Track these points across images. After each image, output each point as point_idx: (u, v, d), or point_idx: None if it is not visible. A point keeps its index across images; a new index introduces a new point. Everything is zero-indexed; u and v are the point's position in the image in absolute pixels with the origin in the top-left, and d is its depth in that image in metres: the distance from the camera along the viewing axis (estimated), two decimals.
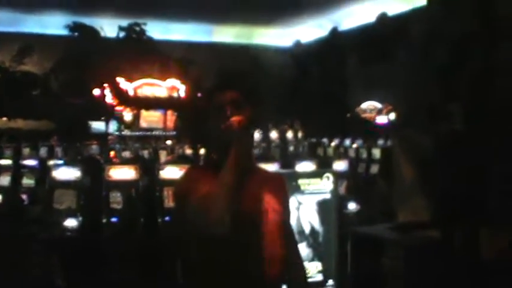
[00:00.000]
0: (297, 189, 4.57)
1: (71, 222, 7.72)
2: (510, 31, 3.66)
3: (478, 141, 3.58)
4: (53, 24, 22.65)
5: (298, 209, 4.59)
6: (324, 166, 8.55)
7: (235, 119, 2.27)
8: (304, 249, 4.50)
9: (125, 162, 9.66)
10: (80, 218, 7.76)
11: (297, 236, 3.27)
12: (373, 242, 4.03)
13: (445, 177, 3.69)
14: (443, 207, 3.71)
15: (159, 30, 22.84)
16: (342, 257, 4.52)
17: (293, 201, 4.50)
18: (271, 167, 8.76)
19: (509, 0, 3.74)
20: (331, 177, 4.64)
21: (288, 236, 2.45)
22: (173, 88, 20.95)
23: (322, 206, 4.57)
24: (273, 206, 2.37)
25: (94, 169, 8.38)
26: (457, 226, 3.66)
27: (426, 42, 4.06)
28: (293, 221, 3.65)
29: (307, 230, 4.57)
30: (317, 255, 4.54)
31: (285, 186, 2.52)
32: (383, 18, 21.86)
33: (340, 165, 8.79)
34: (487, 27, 3.71)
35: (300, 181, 4.63)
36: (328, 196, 4.61)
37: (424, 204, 3.90)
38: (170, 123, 20.71)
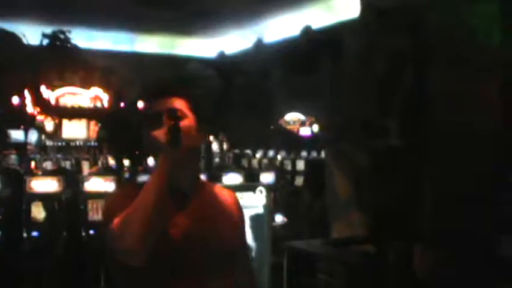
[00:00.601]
0: None
1: None
2: (442, 51, 3.75)
3: (414, 157, 3.62)
4: None
5: None
6: (250, 178, 8.57)
7: (165, 128, 1.94)
8: None
9: (47, 173, 9.38)
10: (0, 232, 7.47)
11: None
12: (308, 257, 4.02)
13: (381, 193, 3.72)
14: (378, 223, 3.74)
15: (82, 38, 22.38)
16: (276, 273, 4.50)
17: None
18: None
19: (439, 21, 3.82)
20: (264, 191, 4.62)
21: (245, 266, 2.23)
22: (96, 97, 20.54)
23: (255, 220, 4.53)
24: (227, 229, 2.12)
25: (14, 181, 8.10)
26: (392, 242, 3.69)
27: (359, 56, 4.09)
28: None
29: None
30: None
31: (239, 204, 2.29)
32: (307, 30, 22.14)
33: (267, 177, 8.84)
34: (418, 45, 3.79)
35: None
36: (261, 210, 4.58)
37: (360, 219, 3.92)
38: (93, 133, 20.28)
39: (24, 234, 7.56)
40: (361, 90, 4.13)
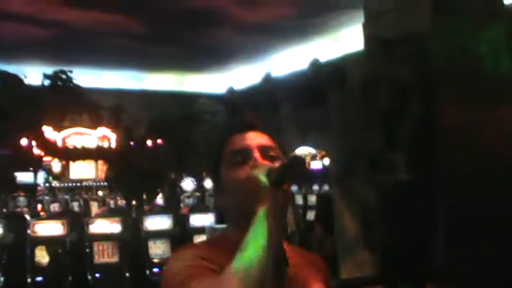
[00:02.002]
0: None
1: None
2: (449, 80, 3.60)
3: (424, 192, 3.44)
4: None
5: None
6: None
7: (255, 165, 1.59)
8: None
9: (51, 217, 9.28)
10: (2, 278, 7.32)
11: None
12: None
13: (390, 230, 3.54)
14: (388, 262, 3.54)
15: (88, 77, 22.44)
16: None
17: None
18: (207, 218, 8.55)
19: (445, 50, 3.67)
20: None
21: None
22: (104, 137, 20.50)
23: None
24: None
25: (18, 225, 8.00)
26: (403, 282, 3.50)
27: (364, 88, 3.94)
28: None
29: None
30: None
31: (329, 273, 1.86)
32: (315, 64, 22.13)
33: None
34: (424, 75, 3.64)
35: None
36: None
37: (369, 258, 3.73)
38: (101, 173, 20.20)
39: (28, 280, 7.42)
40: (367, 123, 3.97)
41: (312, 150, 25.05)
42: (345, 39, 19.66)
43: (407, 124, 3.58)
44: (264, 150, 1.64)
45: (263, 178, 1.51)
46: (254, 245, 1.41)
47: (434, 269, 3.45)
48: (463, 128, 3.46)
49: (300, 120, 23.81)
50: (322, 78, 18.57)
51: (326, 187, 17.50)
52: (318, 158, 24.54)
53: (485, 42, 3.48)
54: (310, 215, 14.27)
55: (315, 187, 17.77)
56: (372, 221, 3.71)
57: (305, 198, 15.49)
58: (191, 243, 1.75)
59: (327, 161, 23.48)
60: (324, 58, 21.95)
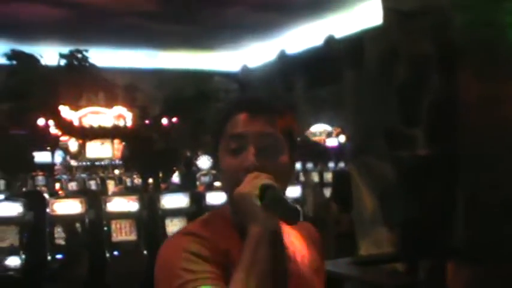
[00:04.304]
0: None
1: (13, 261, 7.36)
2: (470, 53, 3.53)
3: (444, 167, 3.39)
4: None
5: None
6: None
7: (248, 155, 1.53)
8: None
9: (70, 195, 9.33)
10: (23, 256, 7.39)
11: None
12: (335, 278, 3.81)
13: (409, 206, 3.50)
14: (407, 239, 3.51)
15: (103, 56, 22.47)
16: None
17: None
18: (224, 196, 8.55)
19: (466, 21, 3.60)
20: None
21: None
22: (119, 116, 20.57)
23: None
24: (319, 269, 1.74)
25: (37, 204, 8.05)
26: (422, 259, 3.47)
27: (383, 63, 3.89)
28: None
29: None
30: None
31: (320, 239, 1.85)
32: (330, 40, 21.98)
33: (294, 191, 8.66)
34: (444, 48, 3.58)
35: None
36: None
37: (387, 235, 3.70)
38: (117, 152, 20.31)
39: (48, 257, 7.50)
40: (385, 98, 3.92)
41: (328, 128, 24.99)
42: (361, 15, 19.48)
43: (426, 99, 3.52)
44: (261, 138, 1.56)
45: (253, 198, 1.44)
46: (249, 273, 1.40)
47: (455, 246, 3.41)
48: (484, 102, 3.40)
49: (315, 98, 23.72)
50: (338, 54, 18.45)
51: (342, 164, 17.48)
52: (333, 135, 24.48)
53: (508, 13, 3.41)
54: (326, 193, 14.26)
55: (331, 164, 17.73)
56: (390, 197, 3.67)
57: (321, 176, 15.45)
58: (188, 227, 1.67)
59: (342, 138, 23.44)
60: (339, 34, 21.79)
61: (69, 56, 21.72)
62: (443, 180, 3.39)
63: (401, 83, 3.66)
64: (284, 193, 1.56)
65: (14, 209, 7.75)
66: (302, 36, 24.11)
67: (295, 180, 14.40)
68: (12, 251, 7.45)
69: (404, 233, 3.52)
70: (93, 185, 15.13)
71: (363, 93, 4.44)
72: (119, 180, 15.82)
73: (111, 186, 14.86)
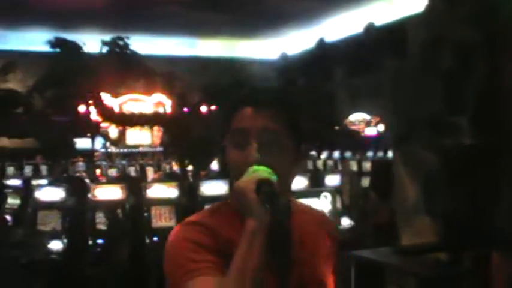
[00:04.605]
0: None
1: (55, 245, 7.48)
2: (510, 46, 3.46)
3: (490, 156, 3.34)
4: (37, 40, 22.40)
5: None
6: (316, 181, 8.37)
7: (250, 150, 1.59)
8: None
9: (110, 181, 9.44)
10: (65, 240, 7.51)
11: None
12: (377, 267, 3.78)
13: (453, 195, 3.46)
14: (451, 229, 3.47)
15: (142, 44, 22.64)
16: (342, 278, 4.28)
17: None
18: None
19: (509, 14, 3.53)
20: (329, 197, 4.42)
21: None
22: (159, 103, 20.71)
23: None
24: (330, 256, 1.77)
25: (79, 189, 8.18)
26: (466, 249, 3.42)
27: (427, 50, 3.83)
28: None
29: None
30: None
31: (334, 227, 1.91)
32: (370, 28, 21.77)
33: (332, 180, 8.63)
34: (490, 35, 3.51)
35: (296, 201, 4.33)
36: None
37: (430, 225, 3.66)
38: (157, 139, 20.47)
39: (90, 242, 7.60)
40: (429, 86, 3.87)
41: (366, 116, 24.83)
42: (401, 2, 19.25)
43: (471, 86, 3.47)
44: (264, 133, 1.59)
45: (250, 192, 1.48)
46: (243, 267, 1.46)
47: (499, 236, 3.37)
48: None
49: (353, 86, 23.59)
50: (377, 42, 18.27)
51: (380, 153, 17.35)
52: (372, 124, 24.33)
53: None
54: (365, 182, 14.18)
55: (369, 153, 17.62)
56: (434, 186, 3.63)
57: (359, 165, 15.35)
58: (193, 216, 1.72)
59: (381, 127, 23.26)
60: (378, 22, 21.58)
61: (111, 44, 21.91)
62: (488, 169, 3.34)
63: (446, 71, 3.61)
64: (289, 188, 1.67)
65: (56, 194, 7.88)
66: (341, 24, 23.94)
67: (334, 169, 14.39)
68: (54, 235, 7.56)
69: (448, 223, 3.48)
70: (132, 171, 15.28)
71: (405, 81, 4.38)
72: (157, 167, 15.94)
73: (150, 173, 14.97)
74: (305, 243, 1.68)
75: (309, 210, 1.89)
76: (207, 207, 1.77)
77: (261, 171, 1.52)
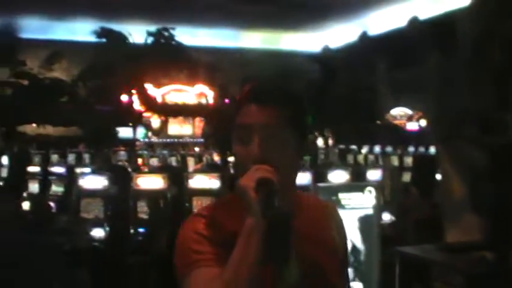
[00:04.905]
0: (337, 204, 4.23)
1: (98, 232, 7.57)
2: None
3: None
4: (83, 30, 22.70)
5: None
6: (357, 175, 8.31)
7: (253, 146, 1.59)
8: None
9: (152, 170, 9.51)
10: (107, 228, 7.60)
11: None
12: (422, 264, 3.74)
13: (500, 193, 3.40)
14: (498, 227, 3.41)
15: (186, 35, 22.75)
16: (386, 280, 4.25)
17: None
18: (303, 177, 8.54)
19: None
20: (373, 191, 4.37)
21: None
22: (201, 94, 20.79)
23: (364, 222, 4.29)
24: (337, 249, 1.77)
25: (121, 178, 8.25)
26: None
27: (477, 44, 3.76)
28: None
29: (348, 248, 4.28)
30: (358, 276, 4.26)
31: (342, 220, 1.89)
32: (414, 22, 21.51)
33: (374, 175, 8.56)
34: None
35: (340, 195, 4.30)
36: (370, 211, 4.34)
37: (476, 222, 3.60)
38: (198, 129, 20.57)
39: (131, 230, 7.67)
40: (477, 82, 3.80)
41: (408, 111, 24.57)
42: None
43: None
44: (267, 130, 1.59)
45: (250, 191, 1.50)
46: (240, 263, 1.49)
47: None
48: None
49: (396, 80, 23.33)
50: (421, 36, 18.02)
51: (422, 148, 17.16)
52: (414, 119, 24.07)
53: None
54: (406, 177, 14.04)
55: (411, 148, 17.43)
56: (481, 183, 3.58)
57: (400, 160, 15.20)
58: (201, 209, 1.77)
59: (423, 122, 22.99)
60: (422, 16, 21.31)
61: (157, 34, 22.07)
62: None
63: (496, 66, 3.55)
64: (293, 183, 1.70)
65: (99, 182, 7.97)
66: (384, 18, 23.70)
67: (375, 163, 14.27)
68: (97, 223, 7.64)
69: (495, 221, 3.42)
70: (173, 161, 15.36)
71: (451, 76, 4.32)
72: (198, 158, 15.99)
73: (191, 163, 15.03)
74: (309, 238, 1.70)
75: (317, 203, 1.91)
76: (218, 198, 1.82)
77: (263, 169, 1.53)
